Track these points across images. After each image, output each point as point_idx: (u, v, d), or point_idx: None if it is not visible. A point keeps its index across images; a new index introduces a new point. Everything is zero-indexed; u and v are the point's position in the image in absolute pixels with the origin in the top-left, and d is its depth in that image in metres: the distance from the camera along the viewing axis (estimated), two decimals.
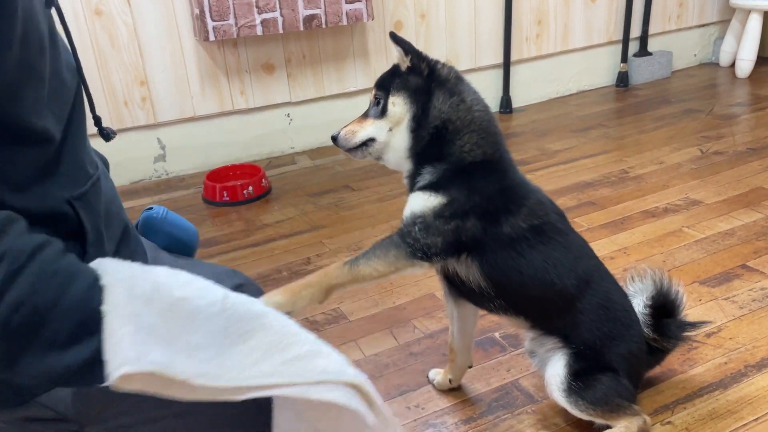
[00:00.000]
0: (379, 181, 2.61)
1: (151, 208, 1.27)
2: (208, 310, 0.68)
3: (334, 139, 1.21)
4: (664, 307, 1.32)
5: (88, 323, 0.64)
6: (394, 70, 1.20)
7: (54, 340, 0.64)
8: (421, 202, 1.15)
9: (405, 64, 1.18)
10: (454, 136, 1.15)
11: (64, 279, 0.66)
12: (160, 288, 0.67)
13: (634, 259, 1.90)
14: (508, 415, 1.35)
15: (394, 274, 1.15)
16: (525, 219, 1.17)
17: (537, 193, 1.22)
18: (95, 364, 0.64)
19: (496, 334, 1.61)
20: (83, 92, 0.93)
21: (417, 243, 1.13)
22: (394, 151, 1.20)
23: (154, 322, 0.64)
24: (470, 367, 1.32)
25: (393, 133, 1.18)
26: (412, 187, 1.21)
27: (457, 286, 1.24)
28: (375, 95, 1.20)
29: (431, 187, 1.16)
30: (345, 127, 1.21)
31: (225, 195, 2.49)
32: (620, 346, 1.23)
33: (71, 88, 0.89)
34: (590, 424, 1.27)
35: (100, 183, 0.91)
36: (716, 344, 1.51)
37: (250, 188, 2.51)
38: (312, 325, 1.70)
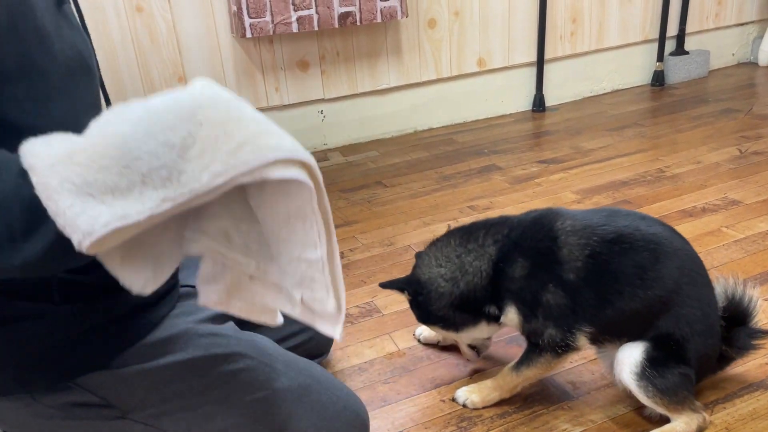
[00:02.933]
0: (412, 177, 2.61)
1: None
2: (136, 131, 0.61)
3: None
4: (734, 317, 1.28)
5: (33, 210, 0.62)
6: (410, 303, 1.41)
7: (12, 234, 0.62)
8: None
9: (407, 296, 1.39)
10: (467, 289, 1.33)
11: None
12: (78, 136, 0.63)
13: None
14: (544, 411, 1.35)
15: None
16: (567, 260, 1.23)
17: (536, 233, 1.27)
18: (57, 245, 0.62)
19: None
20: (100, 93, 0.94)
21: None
22: None
23: (85, 177, 0.59)
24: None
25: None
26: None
27: None
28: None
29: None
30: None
31: None
32: (698, 343, 1.22)
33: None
34: (628, 422, 1.26)
35: None
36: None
37: None
38: (346, 318, 1.71)
